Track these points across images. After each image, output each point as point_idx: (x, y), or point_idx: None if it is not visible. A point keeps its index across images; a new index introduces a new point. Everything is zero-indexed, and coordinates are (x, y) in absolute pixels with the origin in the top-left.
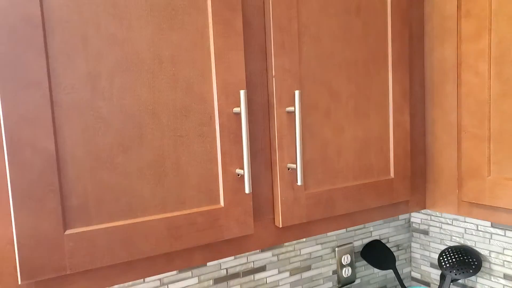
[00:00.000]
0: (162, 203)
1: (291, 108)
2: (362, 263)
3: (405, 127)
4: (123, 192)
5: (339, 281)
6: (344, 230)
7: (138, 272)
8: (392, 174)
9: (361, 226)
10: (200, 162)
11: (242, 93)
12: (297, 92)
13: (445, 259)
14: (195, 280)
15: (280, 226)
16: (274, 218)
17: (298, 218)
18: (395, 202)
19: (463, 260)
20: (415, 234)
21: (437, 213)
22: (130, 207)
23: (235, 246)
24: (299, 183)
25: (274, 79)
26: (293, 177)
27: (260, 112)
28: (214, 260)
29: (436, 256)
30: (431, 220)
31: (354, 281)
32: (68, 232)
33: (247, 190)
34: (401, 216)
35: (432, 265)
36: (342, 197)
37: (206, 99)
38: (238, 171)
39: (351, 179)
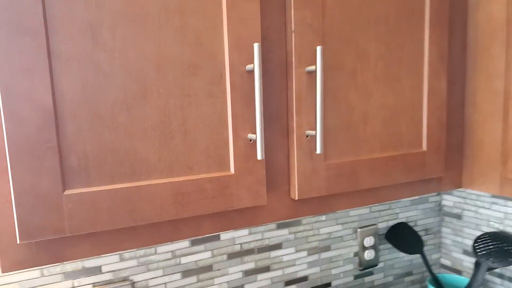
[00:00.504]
0: (168, 167)
1: (312, 68)
2: (386, 246)
3: (441, 95)
4: (126, 154)
5: (360, 264)
6: (367, 210)
7: (143, 239)
8: (424, 147)
9: (386, 207)
10: (209, 125)
11: (256, 46)
12: (319, 48)
13: (481, 246)
14: (208, 254)
15: (296, 199)
16: (289, 190)
17: (316, 191)
18: (426, 179)
19: (502, 247)
20: (446, 218)
21: (473, 196)
22: (134, 169)
23: (247, 217)
24: (318, 151)
25: (293, 34)
26: (312, 145)
27: (277, 72)
28: (224, 230)
29: (470, 242)
30: (465, 203)
31: (376, 265)
32: (67, 192)
33: (259, 156)
34: (431, 198)
35: (465, 252)
36: (367, 169)
37: (217, 55)
38: (250, 136)
39: (378, 150)
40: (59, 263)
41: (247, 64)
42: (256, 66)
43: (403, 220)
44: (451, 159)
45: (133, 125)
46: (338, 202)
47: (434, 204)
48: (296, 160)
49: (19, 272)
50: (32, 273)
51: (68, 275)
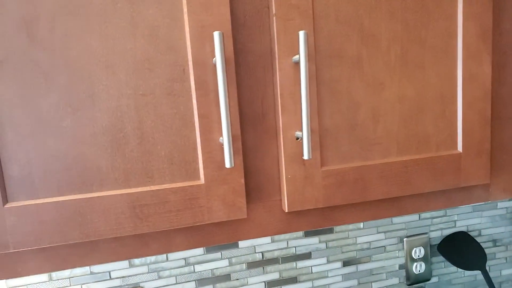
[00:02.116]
0: (124, 176)
1: (297, 57)
2: (441, 259)
3: (483, 82)
4: (74, 161)
5: (408, 278)
6: (416, 217)
7: (105, 255)
8: (459, 148)
9: (441, 213)
10: (171, 128)
11: (217, 35)
12: (301, 34)
13: None
14: (225, 262)
15: (286, 211)
16: (281, 201)
17: (310, 202)
18: (464, 186)
19: None
20: None
21: None
22: (83, 179)
23: (227, 231)
24: (306, 156)
25: (274, 18)
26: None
27: (260, 65)
28: (200, 246)
29: None
30: None
31: (429, 279)
32: (9, 205)
33: (227, 164)
34: (500, 204)
35: None
36: (378, 176)
37: (177, 47)
38: (221, 139)
39: (394, 153)
40: (14, 278)
41: (213, 57)
42: (218, 57)
43: (463, 229)
44: (501, 161)
45: (81, 130)
46: (344, 214)
47: (505, 210)
48: (284, 166)
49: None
50: (40, 277)
51: (76, 280)
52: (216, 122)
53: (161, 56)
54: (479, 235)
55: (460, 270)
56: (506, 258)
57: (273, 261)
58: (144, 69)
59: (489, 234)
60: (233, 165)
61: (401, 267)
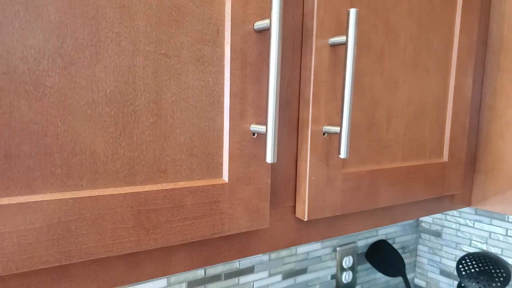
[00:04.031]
0: (128, 167)
1: (338, 39)
2: (364, 267)
3: (466, 94)
4: (58, 142)
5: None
6: None
7: (78, 284)
8: (445, 157)
9: None
10: (196, 106)
11: None
12: (352, 12)
13: (465, 267)
14: (163, 282)
15: (305, 219)
16: (295, 207)
17: (330, 209)
18: (445, 195)
19: (487, 270)
20: (423, 235)
21: (455, 212)
22: (70, 169)
23: (236, 246)
24: (342, 154)
25: None
26: (331, 146)
27: (290, 42)
28: (205, 265)
29: (449, 262)
30: (446, 220)
31: None
32: None
33: (269, 159)
34: None
35: (442, 273)
36: (388, 182)
37: None
38: (256, 127)
39: (400, 158)
40: None
41: (257, 20)
42: (274, 22)
43: (382, 237)
44: (465, 173)
45: (72, 95)
46: (349, 223)
47: (413, 220)
48: (308, 166)
49: None
50: None
51: None
52: (250, 104)
53: (193, 6)
54: (394, 242)
55: (378, 276)
56: (409, 264)
57: (216, 277)
58: (170, 21)
59: (400, 242)
60: (275, 161)
61: (332, 277)
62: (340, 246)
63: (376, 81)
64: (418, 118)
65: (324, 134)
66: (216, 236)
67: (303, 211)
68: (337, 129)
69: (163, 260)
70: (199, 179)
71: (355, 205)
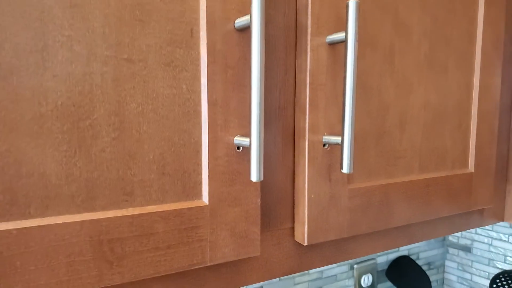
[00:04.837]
0: (86, 191)
1: (337, 36)
2: (384, 285)
3: (494, 94)
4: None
5: None
6: None
7: None
8: (471, 167)
9: None
10: (167, 117)
11: None
12: (352, 3)
13: (501, 286)
14: None
15: (305, 244)
16: (293, 229)
17: (335, 231)
18: (472, 210)
19: None
20: (451, 250)
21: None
22: (14, 195)
23: (224, 276)
24: (345, 169)
25: None
26: (333, 159)
27: (282, 41)
28: None
29: (481, 280)
30: (476, 233)
31: None
32: None
33: (254, 177)
34: None
35: None
36: (403, 197)
37: None
38: (240, 140)
39: (416, 170)
40: None
41: (237, 16)
42: (254, 16)
43: (405, 252)
44: (495, 185)
45: (15, 109)
46: (359, 245)
47: None
48: (306, 182)
49: None
50: None
51: None
52: (233, 113)
53: (160, 3)
54: (418, 258)
55: None
56: (436, 281)
57: None
58: (133, 20)
59: (425, 257)
60: (261, 179)
61: None
62: (357, 263)
63: (385, 83)
64: (437, 124)
65: (324, 145)
66: (196, 267)
67: (303, 234)
68: (339, 139)
69: None
70: (173, 201)
71: (365, 225)
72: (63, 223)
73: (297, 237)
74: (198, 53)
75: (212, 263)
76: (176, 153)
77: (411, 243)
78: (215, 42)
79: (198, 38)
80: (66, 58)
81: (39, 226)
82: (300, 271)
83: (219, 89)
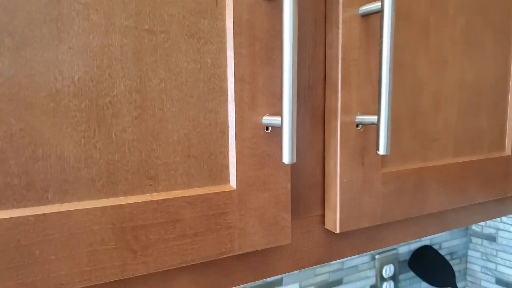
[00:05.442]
0: (107, 175)
1: (371, 7)
2: (407, 276)
3: None
4: (11, 144)
5: None
6: None
7: None
8: (508, 150)
9: None
10: (191, 95)
11: None
12: None
13: None
14: None
15: (337, 231)
16: (324, 216)
17: (368, 218)
18: (506, 196)
19: None
20: (474, 239)
21: None
22: (31, 179)
23: (252, 265)
24: (382, 151)
25: None
26: (366, 141)
27: (309, 14)
28: None
29: (506, 270)
30: (501, 222)
31: None
32: None
33: (286, 158)
34: None
35: (498, 282)
36: (437, 182)
37: None
38: (269, 119)
39: (451, 153)
40: None
41: None
42: None
43: (427, 242)
44: None
45: (29, 84)
46: (390, 233)
47: None
48: (338, 166)
49: None
50: None
51: None
52: (261, 91)
53: None
54: (440, 248)
55: (423, 286)
56: (459, 271)
57: None
58: None
59: (448, 247)
60: (294, 160)
61: None
62: (379, 253)
63: (419, 60)
64: (473, 104)
65: (357, 126)
66: (224, 256)
67: (334, 222)
68: (374, 118)
69: (161, 285)
70: (199, 186)
71: (398, 211)
72: (83, 209)
73: (328, 225)
74: (224, 24)
75: (241, 252)
76: (201, 134)
77: (444, 231)
78: (242, 11)
79: (224, 7)
80: (83, 28)
81: (57, 212)
82: (330, 261)
83: (246, 63)
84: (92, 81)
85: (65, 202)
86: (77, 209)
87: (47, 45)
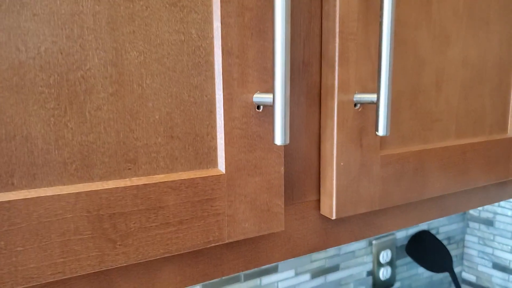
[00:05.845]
0: (81, 158)
1: None
2: (404, 261)
3: None
4: None
5: (374, 285)
6: None
7: None
8: (510, 131)
9: None
10: (174, 69)
11: None
12: None
13: None
14: None
15: (333, 217)
16: (319, 201)
17: (366, 203)
18: (508, 179)
19: None
20: (471, 224)
21: None
22: None
23: (243, 254)
24: (381, 131)
25: None
26: (365, 121)
27: None
28: (203, 281)
29: (503, 254)
30: (499, 206)
31: (392, 285)
32: None
33: (278, 140)
34: None
35: (495, 266)
36: (438, 165)
37: None
38: (260, 97)
39: (453, 135)
40: None
41: None
42: None
43: (425, 227)
44: None
45: None
46: (389, 218)
47: None
48: (335, 148)
49: None
50: None
51: None
52: (252, 65)
53: None
54: (438, 233)
55: (419, 271)
56: (456, 256)
57: (234, 279)
58: None
59: (445, 232)
60: (287, 142)
61: (368, 273)
62: (376, 239)
63: (421, 36)
64: (476, 83)
65: (355, 105)
66: (213, 245)
67: (330, 207)
68: (373, 97)
69: (145, 277)
70: (184, 170)
71: (398, 196)
72: (54, 196)
73: (324, 210)
74: None
75: (230, 240)
76: (186, 112)
77: (443, 216)
78: None
79: None
80: None
81: (25, 199)
82: (326, 248)
83: (235, 35)
84: (61, 53)
85: (34, 188)
86: (47, 195)
87: (7, 11)
